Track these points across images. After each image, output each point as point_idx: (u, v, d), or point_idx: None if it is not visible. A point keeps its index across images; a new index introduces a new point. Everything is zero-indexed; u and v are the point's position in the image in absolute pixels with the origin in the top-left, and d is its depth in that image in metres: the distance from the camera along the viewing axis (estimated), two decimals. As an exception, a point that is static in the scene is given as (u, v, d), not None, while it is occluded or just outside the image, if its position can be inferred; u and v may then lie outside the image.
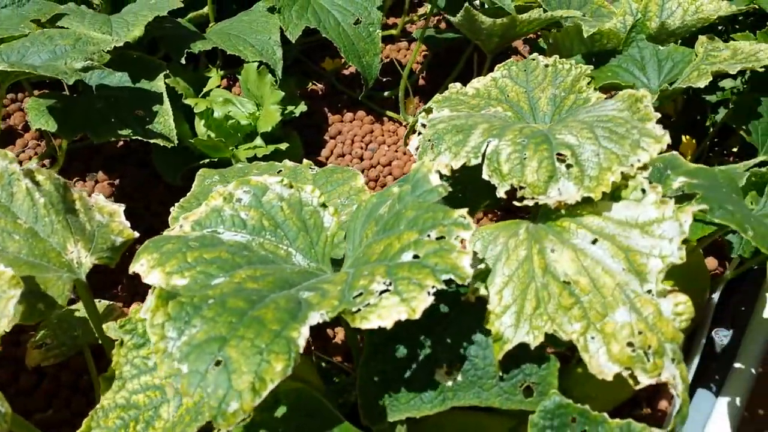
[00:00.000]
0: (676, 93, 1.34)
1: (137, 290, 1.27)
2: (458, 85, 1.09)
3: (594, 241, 0.77)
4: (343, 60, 1.65)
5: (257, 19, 1.56)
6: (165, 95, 1.34)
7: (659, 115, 0.85)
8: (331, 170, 1.09)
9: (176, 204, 1.05)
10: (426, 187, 0.77)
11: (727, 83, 1.54)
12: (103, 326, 0.96)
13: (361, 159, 1.60)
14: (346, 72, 1.82)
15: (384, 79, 1.79)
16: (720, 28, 1.65)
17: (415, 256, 0.69)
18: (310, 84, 1.76)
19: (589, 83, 1.05)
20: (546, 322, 0.73)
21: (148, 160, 1.46)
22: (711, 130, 1.50)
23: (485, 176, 0.83)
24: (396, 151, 1.62)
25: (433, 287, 0.65)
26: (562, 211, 0.81)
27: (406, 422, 0.77)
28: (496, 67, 1.12)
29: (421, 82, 1.83)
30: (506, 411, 0.77)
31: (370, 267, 0.70)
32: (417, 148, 0.92)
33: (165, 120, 1.31)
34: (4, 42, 1.24)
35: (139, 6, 1.47)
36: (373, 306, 0.65)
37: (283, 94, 1.46)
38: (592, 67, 1.12)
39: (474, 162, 0.85)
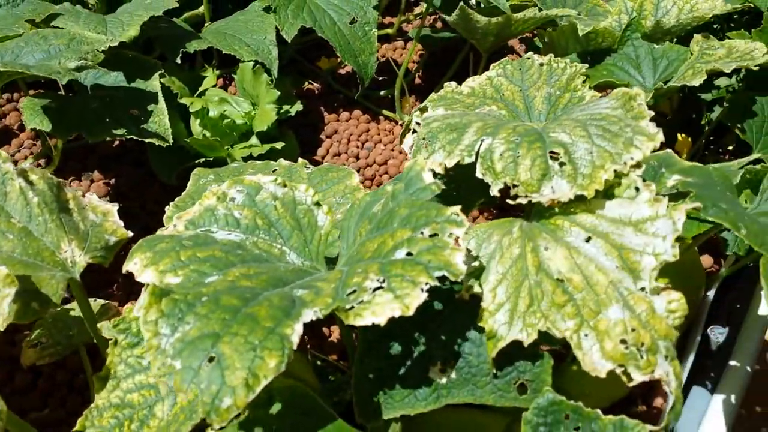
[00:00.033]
0: (671, 91, 1.34)
1: (133, 290, 1.27)
2: (453, 84, 1.09)
3: (587, 239, 0.77)
4: (339, 59, 1.66)
5: (253, 18, 1.56)
6: (160, 95, 1.34)
7: (652, 113, 0.85)
8: (326, 169, 1.09)
9: (171, 203, 1.05)
10: (419, 185, 0.77)
11: (722, 82, 1.54)
12: (98, 325, 0.96)
13: (357, 158, 1.60)
14: (342, 71, 1.82)
15: (380, 79, 1.79)
16: (715, 26, 1.65)
17: (409, 254, 0.69)
18: (306, 83, 1.76)
19: (584, 82, 1.05)
20: (539, 319, 0.73)
21: (144, 160, 1.46)
22: (706, 128, 1.50)
23: (479, 174, 0.83)
24: (392, 150, 1.62)
25: (426, 284, 0.65)
26: (556, 209, 0.81)
27: (400, 420, 0.77)
28: (491, 66, 1.12)
29: (417, 81, 1.83)
30: (501, 408, 0.77)
31: (364, 264, 0.70)
32: (411, 147, 0.92)
33: (160, 119, 1.31)
34: (-1, 42, 1.24)
35: (134, 6, 1.47)
36: (366, 303, 0.65)
37: (279, 93, 1.46)
38: (587, 65, 1.12)
39: (468, 160, 0.85)
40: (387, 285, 0.66)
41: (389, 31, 1.93)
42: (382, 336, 0.79)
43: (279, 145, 1.43)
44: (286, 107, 1.50)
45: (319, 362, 1.08)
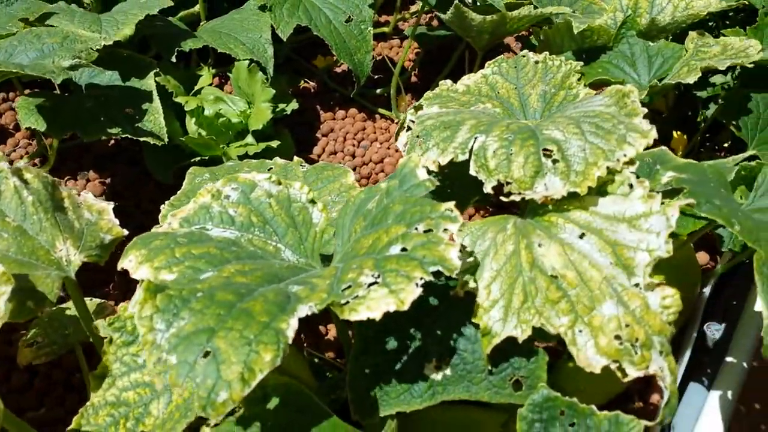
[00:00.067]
0: (666, 89, 1.34)
1: (128, 288, 1.27)
2: (449, 82, 1.10)
3: (581, 236, 0.77)
4: (334, 58, 1.65)
5: (248, 17, 1.56)
6: (155, 93, 1.34)
7: (646, 111, 0.85)
8: (321, 167, 1.09)
9: (167, 202, 1.05)
10: (413, 182, 0.77)
11: (717, 79, 1.54)
12: (94, 324, 0.96)
13: (353, 156, 1.60)
14: (337, 70, 1.82)
15: (376, 77, 1.79)
16: (710, 24, 1.65)
17: (403, 249, 0.69)
18: (302, 82, 1.76)
19: (579, 79, 1.05)
20: (534, 315, 0.73)
21: (139, 159, 1.46)
22: (702, 125, 1.51)
23: (472, 172, 0.83)
24: (388, 149, 1.62)
25: (421, 279, 0.66)
26: (549, 206, 0.81)
27: (396, 417, 0.77)
28: (486, 64, 1.12)
29: (413, 79, 1.83)
30: (497, 405, 0.77)
31: (359, 260, 0.70)
32: (405, 145, 0.92)
33: (155, 118, 1.31)
34: (-7, 41, 1.24)
35: (129, 4, 1.46)
36: (361, 298, 0.65)
37: (275, 91, 1.46)
38: (582, 63, 1.13)
39: (461, 158, 0.85)
40: (382, 280, 0.66)
41: (385, 29, 1.93)
42: (378, 331, 0.79)
43: (275, 144, 1.43)
44: (281, 106, 1.50)
45: (315, 360, 1.08)
